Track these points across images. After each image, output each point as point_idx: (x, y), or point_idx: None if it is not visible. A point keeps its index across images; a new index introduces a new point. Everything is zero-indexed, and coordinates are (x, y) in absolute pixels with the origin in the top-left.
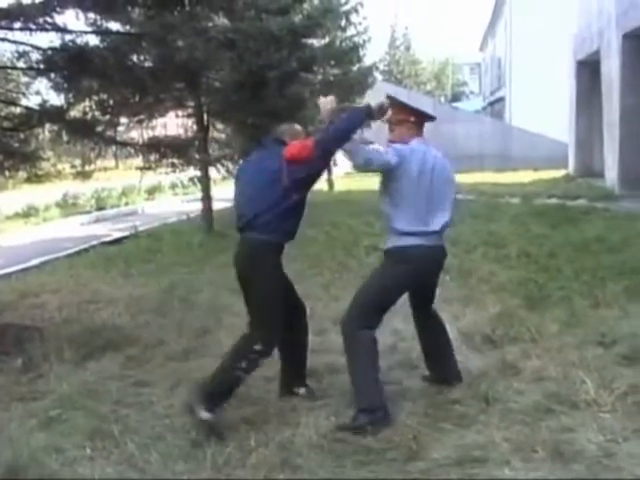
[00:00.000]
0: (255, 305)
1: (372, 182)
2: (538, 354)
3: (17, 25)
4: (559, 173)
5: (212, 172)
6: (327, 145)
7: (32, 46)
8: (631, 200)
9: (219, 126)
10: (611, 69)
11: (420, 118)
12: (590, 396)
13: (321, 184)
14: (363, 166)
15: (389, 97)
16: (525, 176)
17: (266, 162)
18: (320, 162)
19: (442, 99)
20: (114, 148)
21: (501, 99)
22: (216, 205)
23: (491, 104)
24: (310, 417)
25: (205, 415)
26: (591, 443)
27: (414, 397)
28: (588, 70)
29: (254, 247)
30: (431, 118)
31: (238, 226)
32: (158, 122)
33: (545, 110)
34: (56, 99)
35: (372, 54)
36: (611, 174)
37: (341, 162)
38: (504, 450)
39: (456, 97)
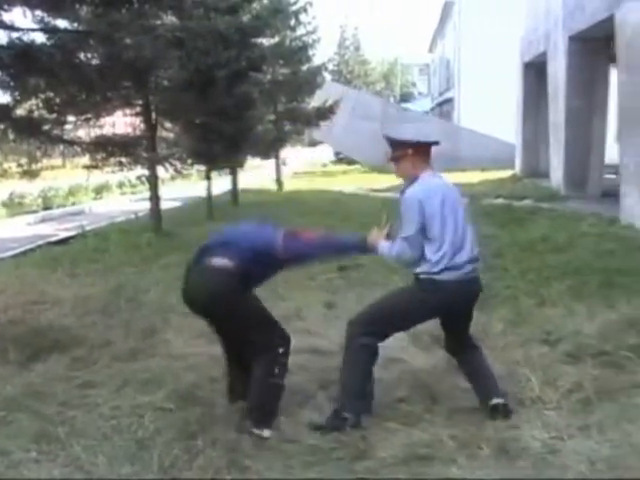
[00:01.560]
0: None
1: (322, 182)
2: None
3: None
4: (506, 174)
5: (160, 171)
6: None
7: None
8: (576, 201)
9: (167, 125)
10: (557, 71)
11: (420, 148)
12: (535, 393)
13: (270, 183)
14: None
15: (385, 136)
16: (473, 176)
17: None
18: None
19: (391, 99)
20: (61, 147)
21: (450, 100)
22: (164, 204)
23: (440, 105)
24: None
25: (267, 433)
26: (536, 440)
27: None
28: (535, 72)
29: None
30: (433, 143)
31: None
32: (106, 121)
33: (493, 111)
34: (2, 97)
35: (321, 54)
36: (556, 175)
37: (290, 161)
38: (450, 448)
39: (405, 98)
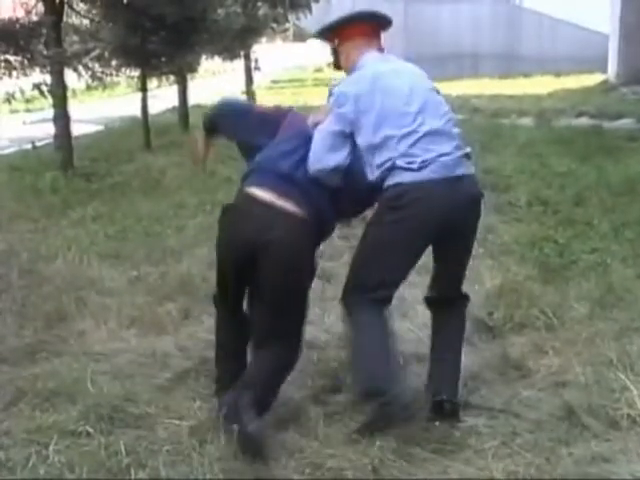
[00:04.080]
0: None
1: (314, 95)
2: (557, 348)
3: None
4: (593, 79)
5: (70, 77)
6: None
7: None
8: None
9: (80, 6)
10: None
11: (353, 29)
12: (636, 410)
13: (236, 97)
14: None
15: (315, 34)
16: (542, 84)
17: None
18: None
19: None
20: None
21: None
22: (77, 128)
23: None
24: (214, 443)
25: None
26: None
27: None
28: None
29: None
30: (368, 17)
31: None
32: None
33: None
34: None
35: None
36: None
37: (266, 64)
38: None
39: None
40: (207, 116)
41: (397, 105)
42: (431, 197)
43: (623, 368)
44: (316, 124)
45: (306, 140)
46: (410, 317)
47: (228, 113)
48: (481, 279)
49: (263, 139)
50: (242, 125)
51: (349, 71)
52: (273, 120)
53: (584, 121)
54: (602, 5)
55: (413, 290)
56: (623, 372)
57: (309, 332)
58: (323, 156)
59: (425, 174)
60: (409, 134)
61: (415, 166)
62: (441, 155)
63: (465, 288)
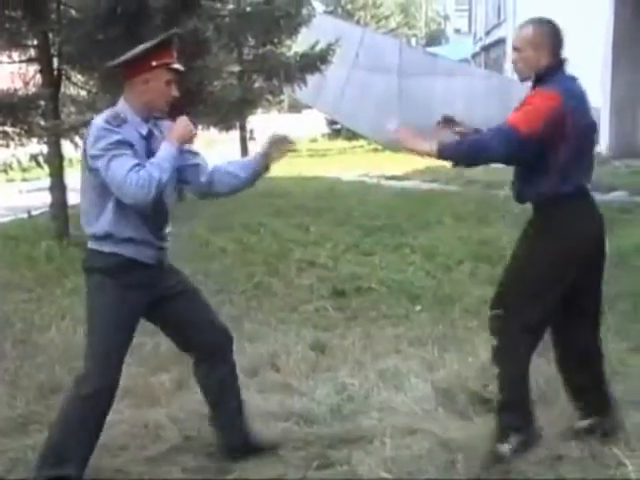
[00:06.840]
0: None
1: (309, 165)
2: (552, 421)
3: None
4: None
5: (67, 147)
6: None
7: None
8: None
9: (77, 78)
10: None
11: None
12: None
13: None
14: None
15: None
16: None
17: None
18: None
19: (413, 41)
20: None
21: (501, 42)
22: (73, 197)
23: (486, 49)
24: None
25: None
26: None
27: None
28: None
29: None
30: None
31: None
32: None
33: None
34: None
35: None
36: None
37: (261, 134)
38: None
39: (434, 39)
40: None
41: None
42: None
43: (618, 442)
44: None
45: None
46: (405, 390)
47: None
48: (476, 351)
49: None
50: None
51: None
52: None
53: None
54: (592, 79)
55: (408, 362)
56: (618, 447)
57: (300, 404)
58: None
59: None
60: None
61: None
62: None
63: (460, 362)
